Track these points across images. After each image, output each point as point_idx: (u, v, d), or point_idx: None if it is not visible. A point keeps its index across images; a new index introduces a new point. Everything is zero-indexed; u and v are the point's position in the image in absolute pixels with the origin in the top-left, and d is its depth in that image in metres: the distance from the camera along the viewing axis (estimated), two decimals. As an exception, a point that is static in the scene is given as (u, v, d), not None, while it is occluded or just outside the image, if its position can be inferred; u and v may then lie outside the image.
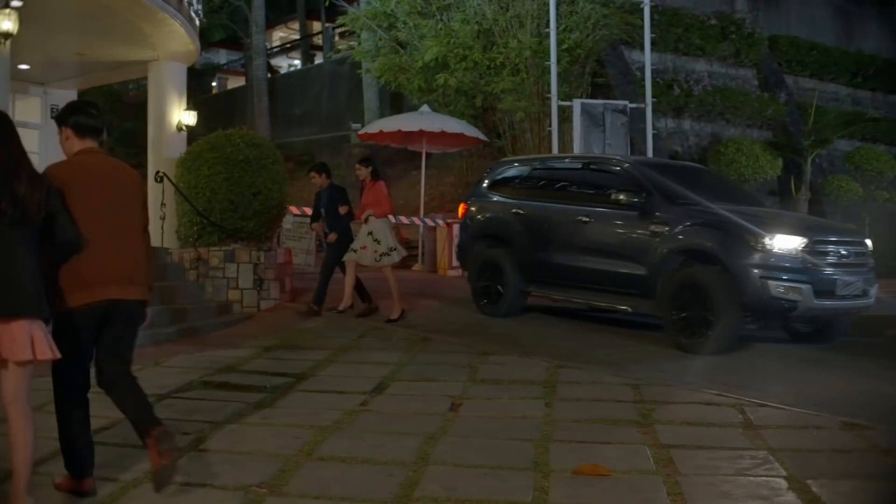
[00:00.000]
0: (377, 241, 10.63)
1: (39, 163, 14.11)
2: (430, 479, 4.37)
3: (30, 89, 17.99)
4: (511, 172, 11.65)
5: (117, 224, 4.57)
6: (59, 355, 4.14)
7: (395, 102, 26.15)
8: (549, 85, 16.43)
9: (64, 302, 4.34)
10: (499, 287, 10.61)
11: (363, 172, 11.17)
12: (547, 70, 16.55)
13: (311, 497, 4.00)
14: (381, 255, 10.68)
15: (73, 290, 4.36)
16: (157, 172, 13.18)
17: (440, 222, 16.54)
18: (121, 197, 4.67)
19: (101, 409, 4.64)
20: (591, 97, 17.64)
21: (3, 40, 10.40)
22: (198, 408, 5.84)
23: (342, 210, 11.26)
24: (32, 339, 4.03)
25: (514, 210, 10.69)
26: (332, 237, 11.29)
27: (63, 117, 4.79)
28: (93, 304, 4.38)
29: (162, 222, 12.57)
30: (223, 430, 5.16)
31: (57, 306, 4.30)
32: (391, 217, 11.27)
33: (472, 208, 11.52)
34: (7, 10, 10.33)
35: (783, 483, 4.42)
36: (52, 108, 18.30)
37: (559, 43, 16.47)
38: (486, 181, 11.63)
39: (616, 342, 9.10)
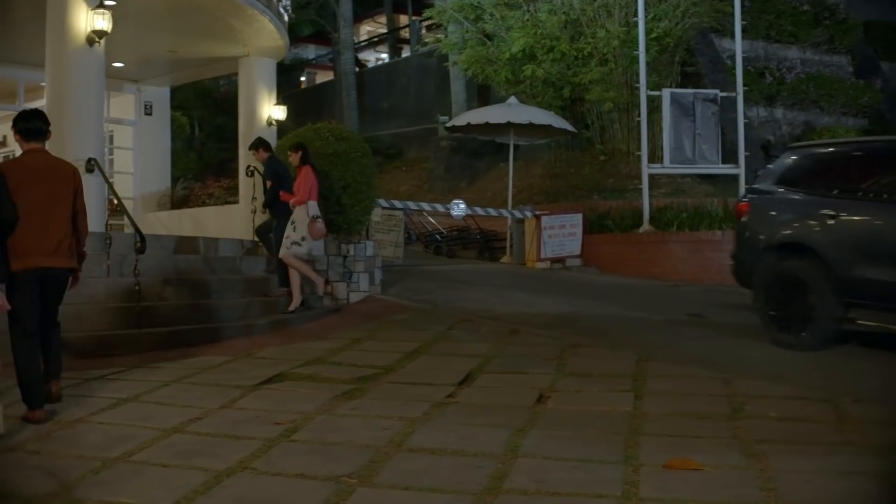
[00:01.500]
0: (294, 230, 10.35)
1: (134, 158, 14.37)
2: (518, 471, 4.37)
3: (124, 87, 18.40)
4: (812, 161, 9.02)
5: (48, 209, 5.94)
6: (8, 307, 5.63)
7: (482, 94, 26.10)
8: (637, 75, 16.29)
9: (10, 267, 5.71)
10: (804, 311, 8.08)
11: (294, 158, 10.70)
12: (635, 60, 16.41)
13: (401, 488, 4.02)
14: (291, 244, 10.35)
15: (15, 258, 5.74)
16: (248, 167, 13.39)
17: (528, 214, 16.49)
18: (54, 188, 6.03)
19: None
20: (681, 86, 17.43)
21: (97, 39, 10.64)
22: (288, 398, 5.91)
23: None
24: None
25: (822, 210, 8.08)
26: None
27: (13, 124, 6.14)
28: (28, 269, 5.79)
29: (253, 216, 12.77)
30: (313, 421, 5.22)
31: (6, 270, 5.68)
32: (311, 207, 10.42)
33: (757, 208, 9.07)
34: (101, 10, 10.56)
35: (878, 481, 4.32)
36: (146, 105, 18.71)
37: (648, 32, 16.31)
38: (776, 173, 9.08)
39: (707, 334, 8.96)
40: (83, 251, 6.31)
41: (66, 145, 10.51)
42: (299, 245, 10.35)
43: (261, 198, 12.83)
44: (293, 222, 10.36)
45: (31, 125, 6.11)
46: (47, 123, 6.20)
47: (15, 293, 5.73)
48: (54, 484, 3.90)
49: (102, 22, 10.55)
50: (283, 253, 10.35)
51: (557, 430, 5.16)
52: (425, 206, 17.85)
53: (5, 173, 5.85)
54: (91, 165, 10.42)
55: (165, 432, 4.88)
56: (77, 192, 6.21)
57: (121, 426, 5.06)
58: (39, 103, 12.26)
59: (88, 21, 10.51)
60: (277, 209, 10.86)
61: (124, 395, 5.96)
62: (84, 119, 10.68)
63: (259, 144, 11.43)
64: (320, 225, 10.44)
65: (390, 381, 6.58)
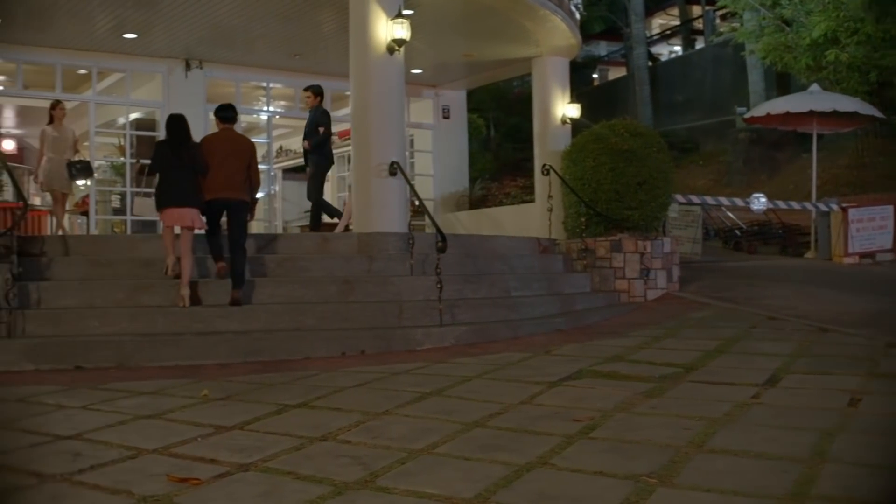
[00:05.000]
0: None
1: (433, 160, 14.96)
2: (826, 477, 4.14)
3: (423, 92, 19.08)
4: None
5: (228, 163, 9.29)
6: (206, 227, 9.27)
7: (781, 83, 25.10)
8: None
9: (205, 198, 9.20)
10: None
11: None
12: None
13: (702, 490, 3.92)
14: None
15: (207, 193, 9.18)
16: (544, 165, 13.52)
17: (834, 207, 15.67)
18: (233, 150, 9.40)
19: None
20: None
21: (397, 47, 11.07)
22: (587, 396, 5.91)
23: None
24: (194, 218, 9.03)
25: None
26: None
27: (215, 112, 9.89)
28: (214, 200, 9.22)
29: (549, 214, 12.88)
30: (612, 419, 5.19)
31: (202, 200, 9.17)
32: None
33: None
34: (400, 20, 10.98)
35: None
36: (443, 109, 19.31)
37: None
38: None
39: None
40: (255, 197, 9.87)
41: (370, 150, 11.03)
42: None
43: (557, 196, 12.93)
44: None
45: (225, 114, 9.72)
46: (235, 113, 9.84)
47: (208, 214, 9.29)
48: (362, 472, 4.08)
49: (401, 31, 10.97)
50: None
51: (869, 435, 4.85)
52: (723, 200, 17.36)
53: (203, 142, 9.60)
54: (394, 168, 10.85)
55: (467, 426, 5.00)
56: (251, 156, 9.61)
57: (425, 419, 5.23)
58: (345, 111, 12.93)
59: (388, 31, 10.96)
60: (317, 156, 12.43)
61: (427, 390, 6.16)
62: (386, 124, 11.14)
63: (319, 91, 12.86)
64: None
65: (690, 380, 6.43)
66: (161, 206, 9.18)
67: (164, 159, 9.16)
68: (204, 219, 9.19)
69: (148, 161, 10.64)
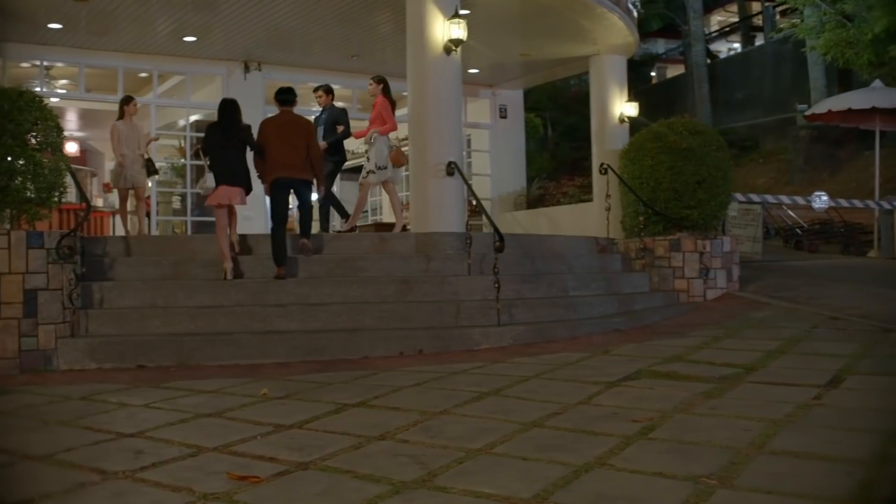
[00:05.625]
0: (367, 159, 11.93)
1: (490, 160, 15.06)
2: (890, 480, 4.07)
3: (479, 92, 19.10)
4: None
5: (288, 143, 9.92)
6: (245, 203, 10.04)
7: (843, 79, 24.74)
8: None
9: (269, 177, 10.02)
10: None
11: (375, 89, 12.10)
12: None
13: (763, 492, 3.87)
14: (367, 172, 11.85)
15: (270, 173, 9.96)
16: (601, 164, 13.48)
17: (899, 205, 15.42)
18: (293, 132, 10.03)
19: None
20: None
21: (454, 47, 11.09)
22: (645, 396, 5.87)
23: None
24: (241, 196, 9.80)
25: None
26: None
27: (275, 95, 10.46)
28: (277, 179, 9.96)
29: (607, 213, 12.82)
30: (671, 420, 5.15)
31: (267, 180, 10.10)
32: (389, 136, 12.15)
33: None
34: (456, 20, 11.00)
35: None
36: (500, 108, 19.31)
37: None
38: None
39: None
40: (318, 173, 10.30)
41: (427, 149, 11.06)
42: (374, 173, 11.79)
43: (615, 195, 12.87)
44: (368, 153, 11.93)
45: (284, 97, 10.30)
46: (294, 96, 10.39)
47: (273, 194, 10.08)
48: (420, 471, 4.09)
49: (458, 31, 10.99)
50: (362, 181, 12.15)
51: (936, 437, 4.76)
52: (784, 199, 17.15)
53: (263, 125, 10.21)
54: (451, 168, 10.87)
55: (525, 426, 4.99)
56: (310, 135, 10.28)
57: (483, 418, 5.23)
58: (402, 112, 13.00)
59: (445, 31, 10.99)
60: (339, 155, 12.64)
61: (485, 390, 6.16)
62: (444, 124, 11.17)
63: (330, 90, 12.86)
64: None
65: (751, 381, 6.36)
66: (216, 183, 9.98)
67: (214, 141, 9.89)
68: (267, 200, 10.72)
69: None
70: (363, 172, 11.99)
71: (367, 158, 11.90)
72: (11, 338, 7.70)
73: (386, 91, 11.97)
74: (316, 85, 12.93)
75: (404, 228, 12.31)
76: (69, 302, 8.12)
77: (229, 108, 9.93)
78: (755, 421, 5.05)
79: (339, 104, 13.04)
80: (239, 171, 9.76)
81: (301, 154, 9.93)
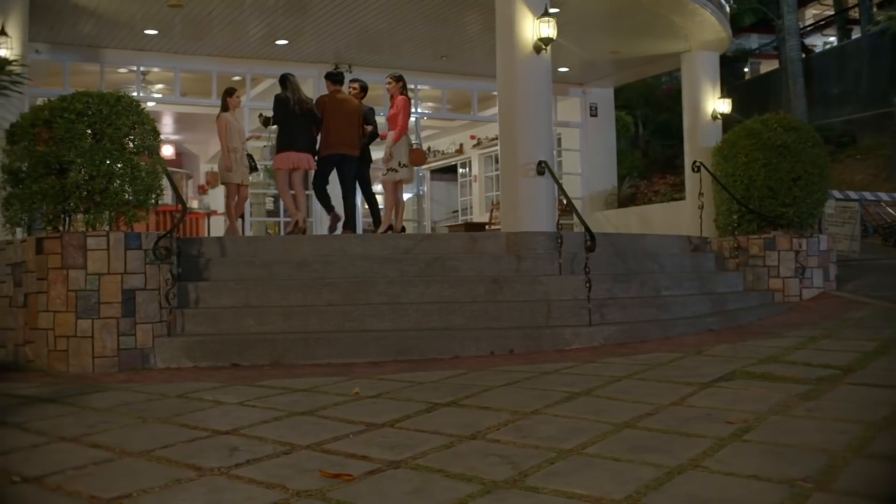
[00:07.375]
0: (388, 158, 12.43)
1: (581, 159, 14.97)
2: None
3: (570, 90, 19.03)
4: None
5: (342, 121, 11.45)
6: (314, 168, 12.07)
7: (945, 72, 24.02)
8: None
9: (321, 153, 11.87)
10: None
11: (394, 88, 12.49)
12: None
13: (860, 496, 3.79)
14: (389, 170, 12.39)
15: (324, 148, 11.70)
16: (694, 162, 13.33)
17: None
18: (345, 111, 11.68)
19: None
20: None
21: (544, 46, 11.05)
22: (740, 397, 5.79)
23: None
24: (310, 161, 11.86)
25: None
26: None
27: (326, 76, 12.36)
28: (329, 155, 11.68)
29: (700, 211, 12.67)
30: (766, 422, 5.07)
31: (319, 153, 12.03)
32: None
33: None
34: (546, 18, 10.96)
35: None
36: (591, 107, 19.21)
37: None
38: None
39: None
40: (366, 150, 12.29)
41: (517, 149, 11.06)
42: (396, 171, 12.32)
43: (708, 193, 12.72)
44: (390, 151, 12.33)
45: (335, 77, 12.08)
46: (342, 75, 12.36)
47: (322, 168, 11.66)
48: (511, 471, 4.09)
49: (548, 29, 10.95)
50: (383, 179, 12.76)
51: None
52: (883, 196, 16.75)
53: (317, 102, 11.83)
54: (541, 168, 10.85)
55: (617, 427, 4.96)
56: (360, 115, 11.91)
57: (574, 419, 5.22)
58: (492, 111, 13.02)
59: (535, 30, 10.96)
60: (365, 154, 12.90)
61: (577, 390, 6.13)
62: (534, 124, 11.14)
63: (365, 87, 13.05)
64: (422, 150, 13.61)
65: (849, 383, 6.22)
66: (281, 149, 11.84)
67: (284, 111, 11.68)
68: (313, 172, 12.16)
69: (270, 113, 12.42)
70: (384, 170, 12.50)
71: (390, 156, 12.28)
72: (111, 337, 7.93)
73: (404, 90, 12.44)
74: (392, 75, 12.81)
75: (389, 229, 12.32)
76: (166, 302, 8.31)
77: (294, 81, 11.85)
78: (852, 423, 4.94)
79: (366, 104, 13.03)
80: (306, 139, 11.76)
81: (352, 131, 11.72)
